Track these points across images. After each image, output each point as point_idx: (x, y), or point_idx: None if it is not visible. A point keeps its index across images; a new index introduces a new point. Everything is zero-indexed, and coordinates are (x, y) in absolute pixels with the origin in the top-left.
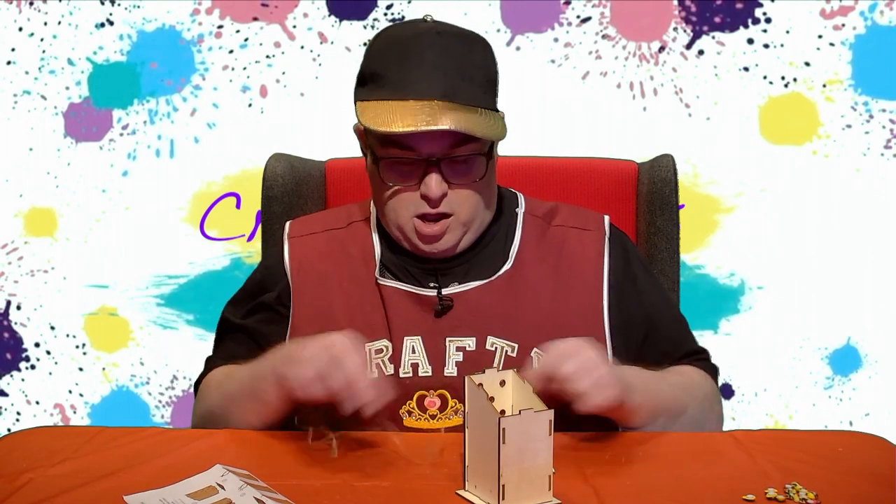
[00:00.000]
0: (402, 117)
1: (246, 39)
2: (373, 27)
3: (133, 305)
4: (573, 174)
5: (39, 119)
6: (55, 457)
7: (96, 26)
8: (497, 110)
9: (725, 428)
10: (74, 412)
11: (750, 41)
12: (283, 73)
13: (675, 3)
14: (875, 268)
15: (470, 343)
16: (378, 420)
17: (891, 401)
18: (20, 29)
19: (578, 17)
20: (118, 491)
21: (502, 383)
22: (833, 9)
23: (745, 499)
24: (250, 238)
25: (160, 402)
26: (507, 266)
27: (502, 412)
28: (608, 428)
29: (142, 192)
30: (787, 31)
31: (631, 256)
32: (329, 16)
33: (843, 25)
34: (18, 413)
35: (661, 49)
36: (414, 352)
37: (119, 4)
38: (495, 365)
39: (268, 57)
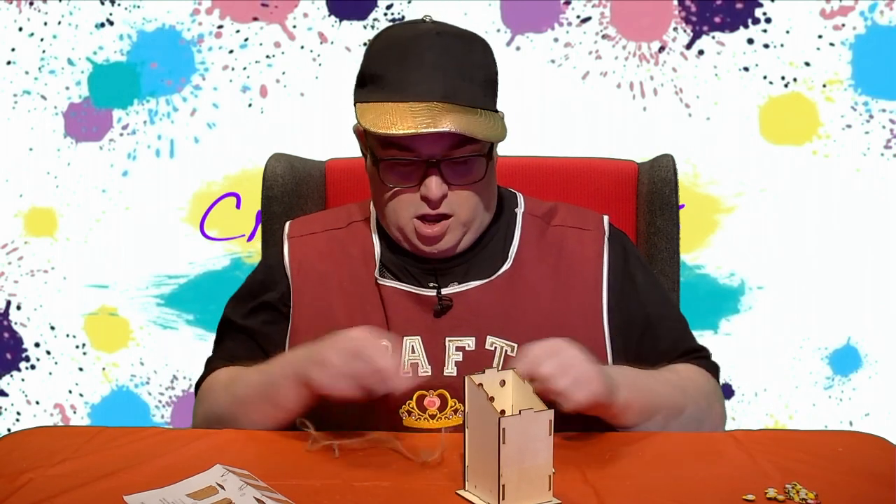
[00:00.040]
0: (403, 119)
1: (246, 39)
2: (373, 27)
3: (133, 305)
4: (573, 174)
5: (39, 119)
6: (55, 457)
7: (96, 26)
8: (497, 111)
9: (725, 428)
10: (74, 412)
11: (750, 41)
12: (283, 73)
13: (675, 3)
14: (875, 268)
15: (469, 343)
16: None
17: (891, 401)
18: (20, 29)
19: (578, 17)
20: (118, 491)
21: (502, 383)
22: (833, 9)
23: (745, 499)
24: (250, 238)
25: (160, 402)
26: (506, 266)
27: (502, 412)
28: (608, 428)
29: (142, 192)
30: (787, 31)
31: (630, 256)
32: (329, 16)
33: (843, 25)
34: (18, 413)
35: (661, 49)
36: (413, 352)
37: (119, 4)
38: (495, 365)
39: (268, 57)
